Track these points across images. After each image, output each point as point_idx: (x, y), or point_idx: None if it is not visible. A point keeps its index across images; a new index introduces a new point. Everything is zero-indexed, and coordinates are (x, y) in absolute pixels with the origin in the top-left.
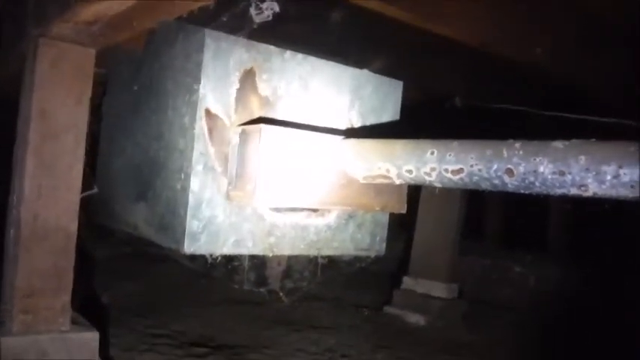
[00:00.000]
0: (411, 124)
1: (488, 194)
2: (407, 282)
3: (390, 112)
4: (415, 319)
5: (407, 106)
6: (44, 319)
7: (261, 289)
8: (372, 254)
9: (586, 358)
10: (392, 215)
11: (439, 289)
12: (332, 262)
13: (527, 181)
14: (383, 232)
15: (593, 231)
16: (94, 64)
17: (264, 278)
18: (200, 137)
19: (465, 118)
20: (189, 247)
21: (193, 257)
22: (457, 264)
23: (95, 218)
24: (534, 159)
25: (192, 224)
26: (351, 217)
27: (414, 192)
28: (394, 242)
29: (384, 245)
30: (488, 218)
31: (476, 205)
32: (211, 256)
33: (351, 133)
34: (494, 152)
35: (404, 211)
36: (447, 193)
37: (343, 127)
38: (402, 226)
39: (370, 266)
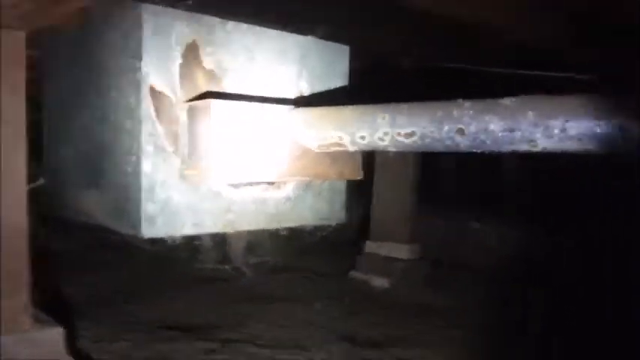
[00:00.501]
0: (361, 90)
1: (443, 156)
2: (369, 246)
3: (338, 79)
4: (380, 282)
5: (356, 72)
6: (4, 320)
7: (226, 267)
8: (333, 222)
9: (544, 318)
10: (349, 182)
11: (401, 251)
12: (294, 233)
13: (478, 140)
14: (341, 200)
15: (549, 190)
16: (24, 48)
17: (227, 255)
18: (147, 117)
19: (416, 82)
20: (147, 232)
21: (153, 241)
22: (416, 225)
23: (48, 210)
24: (484, 117)
25: (147, 208)
26: (308, 187)
27: (369, 158)
28: (354, 209)
29: (343, 213)
30: (445, 179)
31: (431, 166)
32: (171, 238)
33: (301, 102)
34: (445, 113)
35: (360, 177)
36: (401, 156)
37: (293, 96)
38: (359, 193)
39: (332, 235)
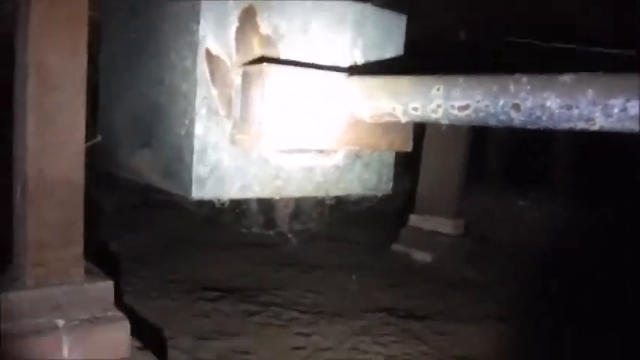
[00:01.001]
0: (415, 61)
1: (491, 132)
2: (413, 219)
3: (394, 49)
4: (422, 256)
5: (412, 43)
6: (57, 271)
7: (270, 232)
8: (379, 193)
9: (587, 297)
10: (398, 154)
11: (445, 226)
12: (339, 202)
13: (534, 116)
14: (389, 172)
15: (600, 169)
16: (86, 8)
17: (272, 221)
18: (202, 80)
19: (472, 56)
20: (196, 193)
21: (201, 203)
22: (462, 201)
23: (101, 167)
24: (542, 93)
25: (198, 169)
26: (357, 157)
27: (419, 130)
28: (400, 181)
29: (390, 184)
30: (492, 156)
31: (480, 142)
32: (219, 201)
33: (355, 71)
34: (501, 87)
35: (410, 149)
36: (451, 130)
37: (347, 65)
38: (407, 165)
39: (377, 205)
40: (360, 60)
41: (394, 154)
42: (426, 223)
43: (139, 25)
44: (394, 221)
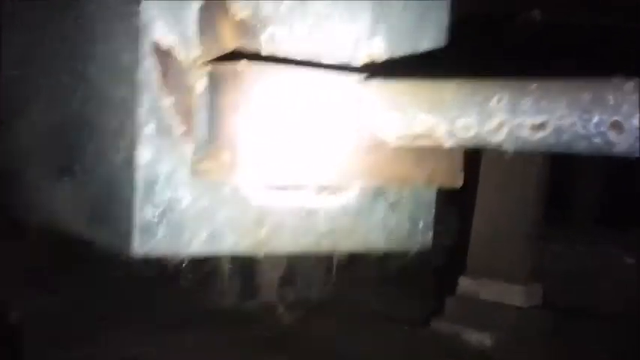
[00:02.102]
0: (465, 55)
1: (579, 157)
2: (464, 284)
3: (431, 36)
4: (478, 338)
5: (458, 26)
6: None
7: (250, 303)
8: (413, 248)
9: None
10: (440, 191)
11: (513, 294)
12: (354, 260)
13: None
14: (428, 216)
15: None
16: None
17: (254, 287)
18: (148, 84)
19: (549, 43)
20: (140, 247)
21: (148, 261)
22: (538, 256)
23: None
24: None
25: (143, 213)
26: (379, 195)
27: (473, 156)
28: (444, 229)
29: (430, 235)
30: (582, 191)
31: (564, 171)
32: (174, 259)
33: (374, 70)
34: (594, 97)
35: (459, 184)
36: (521, 157)
37: (363, 61)
38: (455, 206)
39: (410, 263)
40: (382, 54)
41: (435, 191)
42: (484, 290)
43: (53, 4)
44: (435, 286)
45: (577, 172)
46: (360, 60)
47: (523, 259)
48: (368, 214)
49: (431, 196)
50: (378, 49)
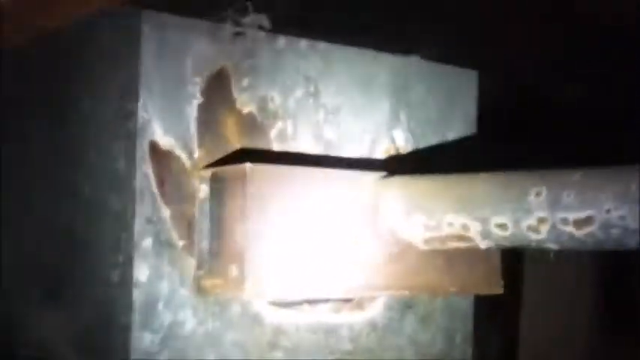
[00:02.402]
0: (498, 143)
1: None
2: None
3: (459, 124)
4: None
5: (488, 110)
6: None
7: None
8: None
9: None
10: (480, 300)
11: None
12: None
13: None
14: (466, 328)
15: None
16: None
17: None
18: (145, 192)
19: (592, 126)
20: None
21: None
22: None
23: None
24: None
25: (141, 339)
26: (409, 306)
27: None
28: (486, 343)
29: (469, 350)
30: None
31: (622, 264)
32: None
33: (396, 164)
34: None
35: (500, 291)
36: (571, 258)
37: (383, 155)
38: (498, 315)
39: None
40: (405, 146)
41: (472, 300)
42: None
43: (38, 102)
44: None
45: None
46: (379, 154)
47: None
48: (396, 329)
49: (468, 306)
50: (400, 141)
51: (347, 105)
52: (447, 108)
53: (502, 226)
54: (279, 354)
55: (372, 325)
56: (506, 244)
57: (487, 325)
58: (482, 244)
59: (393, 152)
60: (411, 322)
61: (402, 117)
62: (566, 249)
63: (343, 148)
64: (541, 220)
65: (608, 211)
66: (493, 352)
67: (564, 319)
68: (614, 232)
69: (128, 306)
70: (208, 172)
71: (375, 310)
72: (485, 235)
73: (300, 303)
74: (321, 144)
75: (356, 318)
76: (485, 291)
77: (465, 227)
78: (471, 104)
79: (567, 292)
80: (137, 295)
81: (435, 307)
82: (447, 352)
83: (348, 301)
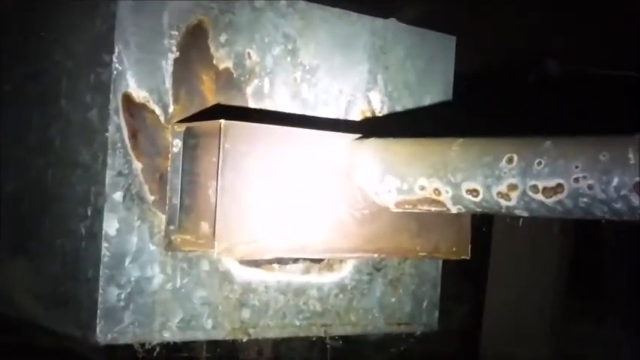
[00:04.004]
0: (472, 110)
1: (609, 223)
2: None
3: (436, 90)
4: None
5: (464, 78)
6: None
7: None
8: (417, 329)
9: None
10: (448, 264)
11: None
12: (351, 345)
13: None
14: (433, 293)
15: None
16: None
17: None
18: (117, 144)
19: (564, 97)
20: (104, 334)
21: (114, 350)
22: (562, 339)
23: None
24: None
25: (108, 294)
26: (378, 269)
27: (484, 223)
28: (453, 306)
29: (436, 314)
30: (610, 261)
31: (588, 241)
32: (143, 346)
33: (371, 126)
34: (614, 156)
35: (467, 256)
36: (539, 225)
37: (359, 117)
38: (465, 280)
39: (416, 349)
40: (381, 108)
41: (440, 264)
42: None
43: (11, 52)
44: None
45: (608, 236)
46: (355, 116)
47: (545, 344)
48: (366, 291)
49: (436, 271)
50: (377, 103)
51: (325, 65)
52: (424, 72)
53: (473, 192)
54: (247, 312)
55: (341, 287)
56: (477, 209)
57: (454, 288)
58: (453, 209)
59: (369, 114)
60: (380, 285)
61: (380, 80)
62: (535, 216)
63: (319, 108)
64: (511, 187)
65: (576, 180)
66: (460, 317)
67: (530, 289)
68: (583, 200)
69: (96, 259)
70: (182, 127)
71: (345, 272)
72: (457, 200)
73: (269, 262)
74: (297, 103)
75: (325, 279)
76: (454, 256)
77: (436, 192)
78: (449, 69)
79: (535, 262)
80: (105, 249)
81: (404, 272)
82: (414, 316)
83: (317, 262)
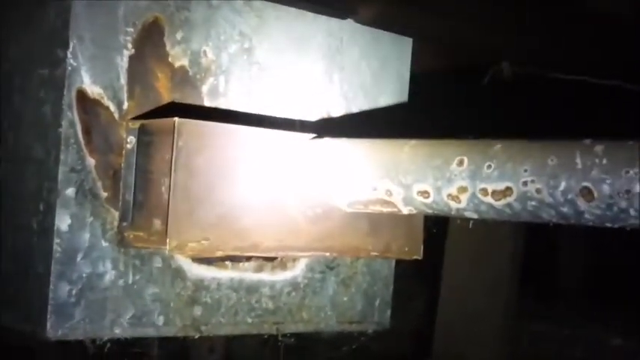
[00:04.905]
0: (427, 112)
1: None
2: None
3: (391, 90)
4: None
5: (420, 80)
6: None
7: None
8: (369, 327)
9: None
10: (401, 264)
11: None
12: (303, 342)
13: (615, 209)
14: (386, 292)
15: None
16: None
17: None
18: (70, 140)
19: (518, 99)
20: (54, 329)
21: (64, 345)
22: (515, 340)
23: None
24: (627, 171)
25: (59, 290)
26: (330, 267)
27: (439, 223)
28: (407, 307)
29: (388, 312)
30: (564, 262)
31: (548, 238)
32: (95, 342)
33: (326, 126)
34: (562, 161)
35: (419, 256)
36: (494, 226)
37: (313, 117)
38: (420, 280)
39: (370, 347)
40: (337, 108)
41: (393, 263)
42: None
43: None
44: None
45: (560, 238)
46: (310, 116)
47: (500, 340)
48: (318, 289)
49: (389, 270)
50: (334, 102)
51: (281, 64)
52: (380, 73)
53: (424, 194)
54: (199, 310)
55: (294, 285)
56: (428, 211)
57: (408, 289)
58: (405, 210)
59: (324, 115)
60: (332, 284)
61: (335, 80)
62: (485, 217)
63: (275, 108)
64: (461, 190)
65: (525, 183)
66: (413, 317)
67: (483, 289)
68: (531, 204)
69: (47, 255)
70: (137, 124)
71: (297, 270)
72: (408, 201)
73: (222, 260)
74: (252, 102)
75: (278, 277)
76: (406, 256)
77: (388, 193)
78: (405, 70)
79: (488, 261)
80: (57, 245)
81: (357, 270)
82: (366, 314)
83: (270, 260)
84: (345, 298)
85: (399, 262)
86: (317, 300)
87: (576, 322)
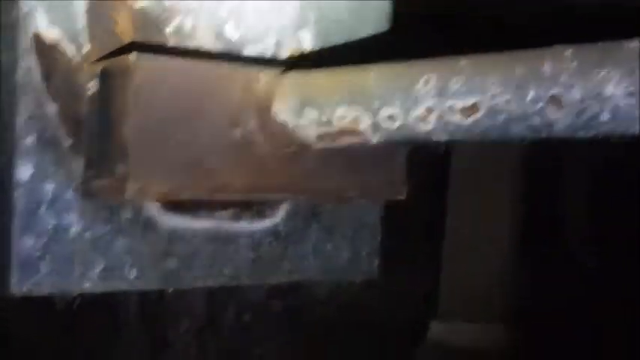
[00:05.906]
0: (405, 50)
1: (570, 170)
2: (436, 330)
3: (371, 27)
4: None
5: (400, 22)
6: None
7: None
8: (356, 278)
9: None
10: (392, 208)
11: (494, 337)
12: (288, 296)
13: (587, 115)
14: (372, 239)
15: None
16: None
17: (165, 334)
18: (28, 87)
19: (495, 34)
20: (19, 284)
21: (30, 302)
22: (519, 290)
23: None
24: (597, 72)
25: (23, 243)
26: (312, 216)
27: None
28: (413, 265)
29: (375, 262)
30: (571, 210)
31: (544, 183)
32: (63, 298)
33: (299, 64)
34: (529, 69)
35: (402, 195)
36: (491, 171)
37: (287, 54)
38: (426, 240)
39: (363, 304)
40: (310, 46)
41: (381, 211)
42: (459, 336)
43: None
44: (401, 334)
45: (562, 185)
46: (284, 52)
47: (503, 296)
48: (300, 238)
49: (375, 217)
50: (307, 44)
51: (252, 2)
52: (359, 9)
53: (391, 118)
54: (173, 262)
55: (274, 234)
56: (397, 137)
57: (411, 237)
58: (374, 138)
59: (297, 50)
60: (315, 232)
61: (311, 17)
62: (454, 138)
63: (245, 48)
64: (429, 110)
65: (493, 96)
66: (419, 269)
67: (488, 235)
68: (500, 118)
69: (8, 207)
70: (97, 68)
71: (278, 218)
72: (376, 127)
73: (196, 209)
74: (221, 43)
75: (257, 226)
76: (387, 196)
77: (355, 120)
78: (385, 8)
79: (489, 210)
80: (18, 196)
81: (341, 217)
82: (352, 263)
83: (248, 208)
84: (329, 247)
85: (402, 222)
86: (299, 249)
87: (585, 274)
